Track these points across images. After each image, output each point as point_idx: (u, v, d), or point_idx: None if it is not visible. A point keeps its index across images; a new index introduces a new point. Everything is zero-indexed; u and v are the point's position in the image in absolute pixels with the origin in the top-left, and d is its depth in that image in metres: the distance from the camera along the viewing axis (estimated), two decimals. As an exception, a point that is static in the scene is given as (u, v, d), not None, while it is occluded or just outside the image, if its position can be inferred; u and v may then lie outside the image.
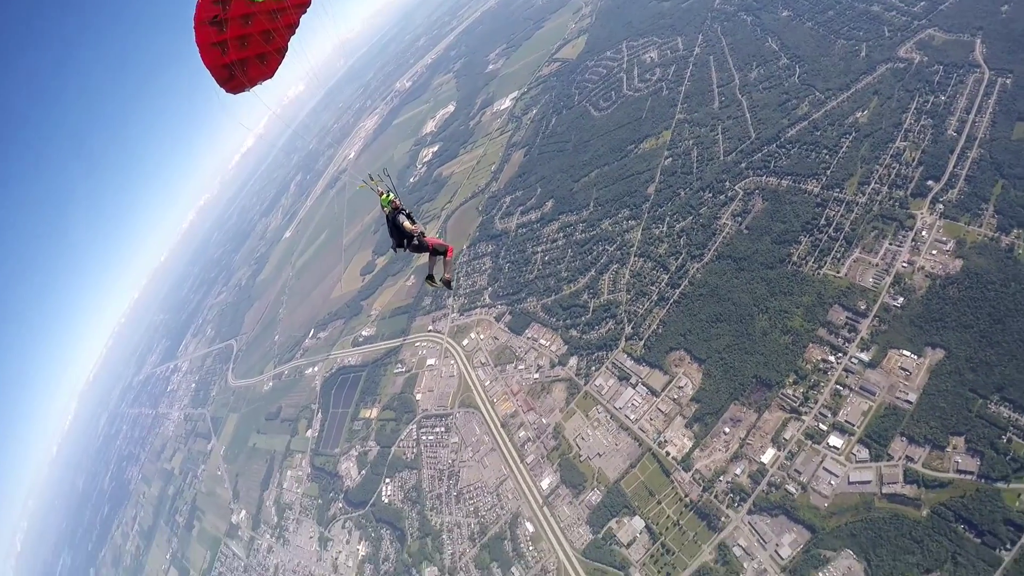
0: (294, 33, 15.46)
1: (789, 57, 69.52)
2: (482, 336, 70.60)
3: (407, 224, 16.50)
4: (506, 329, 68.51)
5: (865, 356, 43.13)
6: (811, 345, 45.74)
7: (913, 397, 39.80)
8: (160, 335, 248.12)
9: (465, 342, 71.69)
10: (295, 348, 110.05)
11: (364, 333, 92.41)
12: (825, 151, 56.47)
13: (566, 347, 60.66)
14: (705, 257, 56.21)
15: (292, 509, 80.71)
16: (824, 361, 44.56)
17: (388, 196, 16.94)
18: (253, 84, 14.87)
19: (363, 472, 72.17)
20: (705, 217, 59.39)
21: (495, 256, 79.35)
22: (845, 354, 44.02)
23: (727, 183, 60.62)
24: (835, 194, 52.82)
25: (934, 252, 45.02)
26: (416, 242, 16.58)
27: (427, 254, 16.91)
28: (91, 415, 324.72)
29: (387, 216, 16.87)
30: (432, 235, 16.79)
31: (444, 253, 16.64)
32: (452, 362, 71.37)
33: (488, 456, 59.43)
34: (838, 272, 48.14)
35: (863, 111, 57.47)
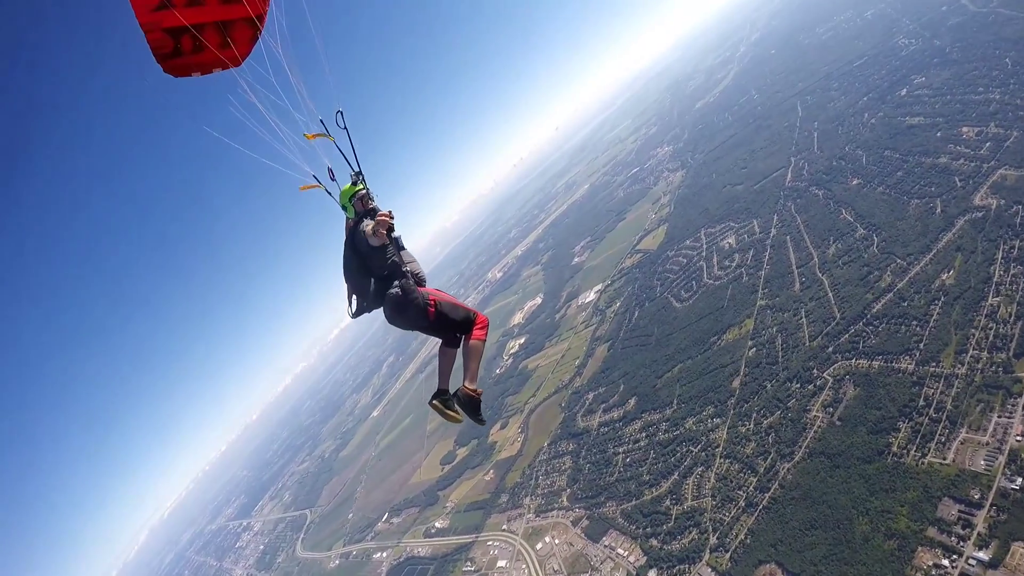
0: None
1: (865, 227, 69.98)
2: (557, 541, 68.22)
3: (372, 230, 8.60)
4: (582, 535, 66.00)
5: (984, 555, 38.37)
6: (920, 548, 41.15)
7: (1048, 601, 34.31)
8: (240, 490, 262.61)
9: (539, 546, 69.43)
10: (367, 529, 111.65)
11: (437, 524, 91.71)
12: (915, 322, 54.66)
13: (645, 558, 57.41)
14: (796, 455, 53.26)
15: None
16: (937, 566, 39.71)
17: (354, 188, 9.22)
18: (207, 68, 8.78)
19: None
20: (794, 411, 57.17)
21: (576, 456, 78.30)
22: (961, 555, 39.23)
23: (815, 371, 58.85)
24: (931, 369, 50.05)
25: (1050, 418, 40.94)
26: (399, 289, 8.81)
27: (432, 333, 9.47)
28: (157, 551, 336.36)
29: (348, 231, 9.30)
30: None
31: (469, 328, 9.26)
32: (524, 567, 68.97)
33: None
34: (944, 459, 44.19)
35: (948, 271, 56.22)
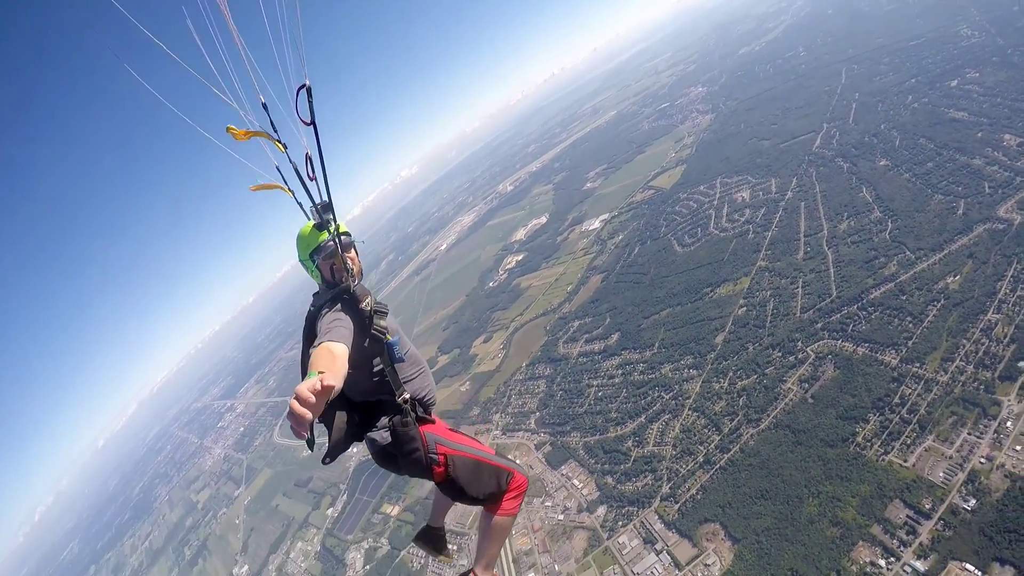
0: None
1: (882, 210, 67.25)
2: (518, 461, 67.96)
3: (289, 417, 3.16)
4: (543, 460, 66.32)
5: (921, 566, 37.77)
6: (861, 544, 40.64)
7: (969, 627, 34.26)
8: (228, 371, 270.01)
9: (501, 464, 69.49)
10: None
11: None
12: (909, 319, 52.81)
13: (598, 493, 57.80)
14: (762, 423, 52.70)
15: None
16: (873, 565, 39.25)
17: (319, 235, 5.47)
18: None
19: (367, 568, 70.20)
20: (770, 378, 56.26)
21: (550, 381, 78.06)
22: (898, 559, 38.65)
23: (799, 343, 57.60)
24: (914, 369, 48.62)
25: (1018, 448, 39.90)
26: (388, 433, 5.60)
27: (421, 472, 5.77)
28: (144, 424, 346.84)
29: (308, 317, 5.60)
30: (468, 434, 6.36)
31: (495, 500, 5.92)
32: (481, 481, 69.28)
33: (492, 589, 56.70)
34: (905, 461, 43.33)
35: (955, 276, 53.88)
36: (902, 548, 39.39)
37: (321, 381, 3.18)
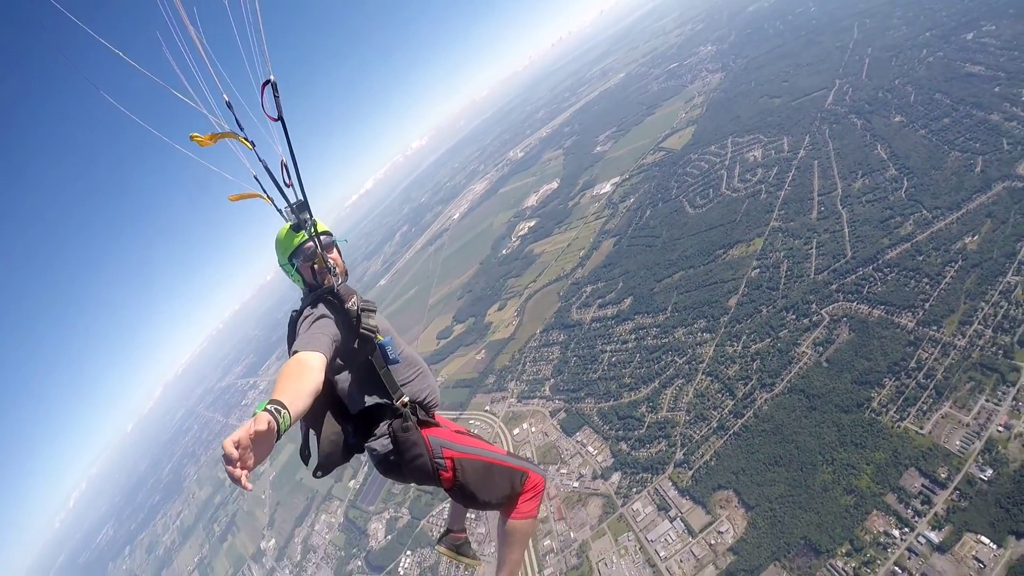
0: None
1: (898, 168, 64.71)
2: (533, 429, 68.12)
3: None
4: (558, 427, 65.84)
5: (935, 536, 36.52)
6: (875, 512, 39.51)
7: (985, 597, 33.15)
8: (250, 350, 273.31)
9: (516, 431, 69.39)
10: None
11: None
12: (926, 280, 50.78)
13: (612, 460, 57.22)
14: (776, 387, 51.46)
15: (315, 553, 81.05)
16: (886, 535, 38.17)
17: (295, 237, 4.92)
18: None
19: (389, 537, 70.58)
20: (784, 341, 54.84)
21: (564, 347, 77.29)
22: (912, 530, 37.46)
23: (813, 305, 55.92)
24: (931, 332, 46.80)
25: (1037, 417, 38.15)
26: (388, 441, 4.90)
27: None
28: (170, 407, 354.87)
29: (290, 322, 4.91)
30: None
31: (510, 503, 5.39)
32: (499, 451, 68.96)
33: (509, 557, 56.73)
34: (921, 428, 41.78)
35: (973, 236, 51.54)
36: (916, 518, 38.14)
37: (251, 430, 2.76)
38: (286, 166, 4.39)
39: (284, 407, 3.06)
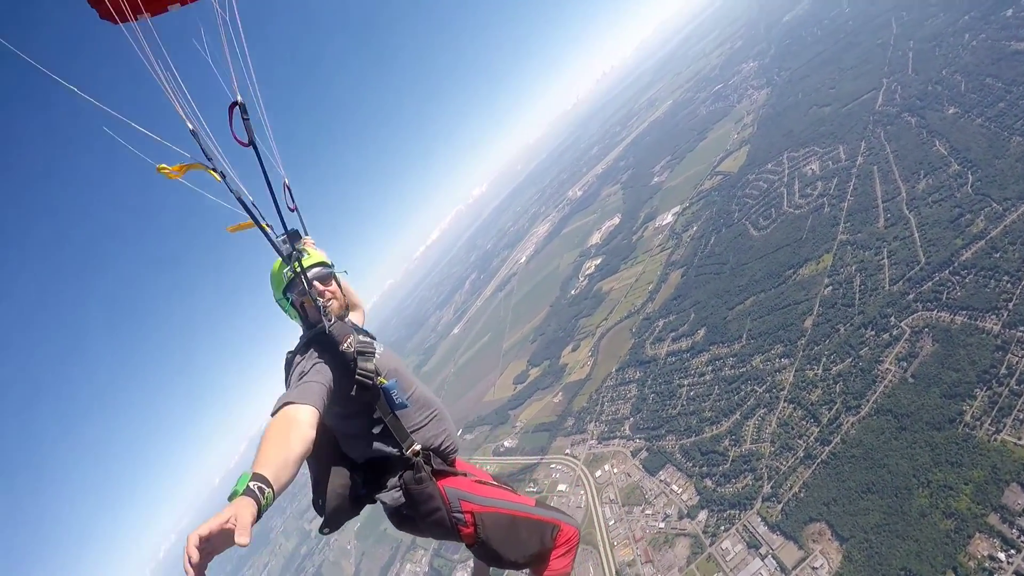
0: None
1: (959, 162, 61.54)
2: (615, 470, 67.31)
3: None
4: (640, 467, 64.81)
5: None
6: (978, 535, 36.81)
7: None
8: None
9: (598, 473, 68.77)
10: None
11: (506, 444, 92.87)
12: (1006, 278, 47.68)
13: (698, 498, 55.84)
14: (862, 410, 49.24)
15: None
16: (991, 559, 35.44)
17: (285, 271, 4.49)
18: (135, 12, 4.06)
19: (472, 586, 70.40)
20: (865, 360, 52.52)
21: (641, 384, 76.28)
22: (1019, 551, 34.75)
23: (892, 319, 53.43)
24: (1018, 333, 43.77)
25: None
26: (399, 494, 4.44)
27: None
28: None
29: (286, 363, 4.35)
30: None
31: (542, 561, 4.85)
32: (582, 492, 68.43)
33: (595, 607, 54.89)
34: (1020, 439, 38.94)
35: None
36: (1022, 538, 35.39)
37: (230, 523, 2.40)
38: (289, 188, 4.33)
39: (268, 485, 2.76)
